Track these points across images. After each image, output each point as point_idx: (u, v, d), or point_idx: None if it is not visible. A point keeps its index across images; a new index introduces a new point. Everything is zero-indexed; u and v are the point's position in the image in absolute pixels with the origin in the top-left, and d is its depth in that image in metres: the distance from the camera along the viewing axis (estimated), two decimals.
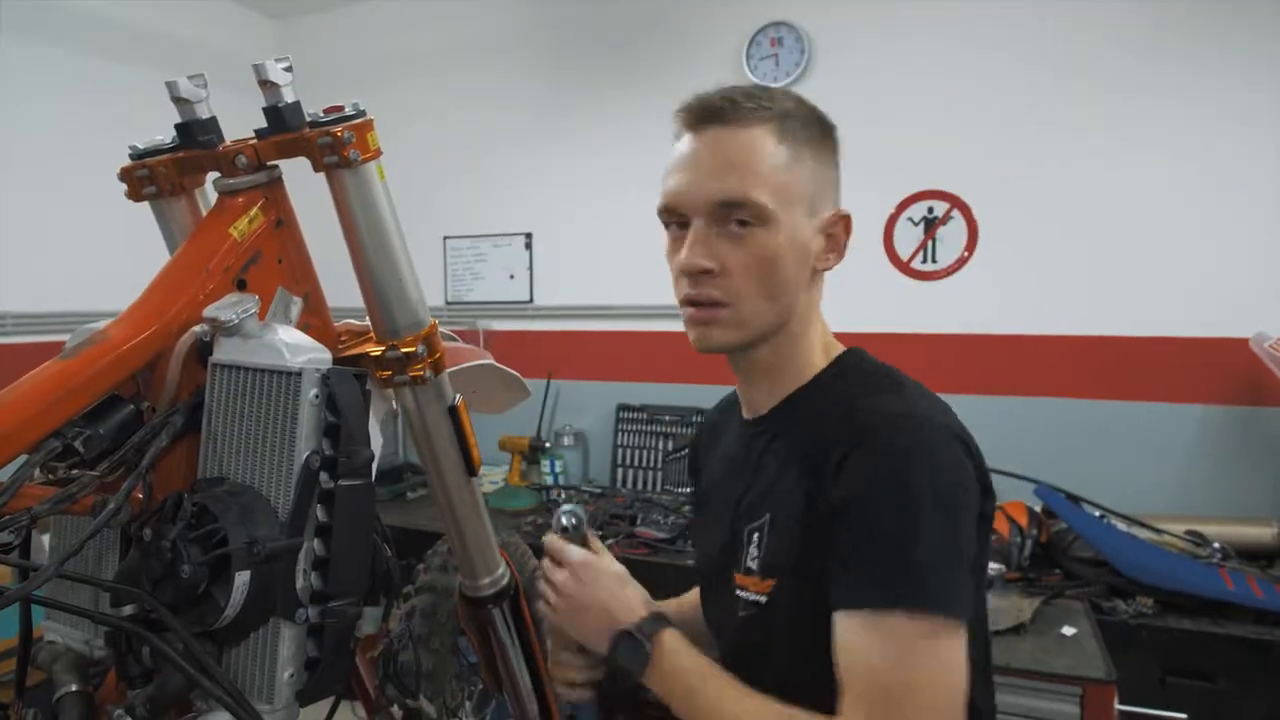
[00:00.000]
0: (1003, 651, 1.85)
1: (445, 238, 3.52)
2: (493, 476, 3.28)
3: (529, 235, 3.37)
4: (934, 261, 2.79)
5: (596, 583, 0.92)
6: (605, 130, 3.20)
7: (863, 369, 0.95)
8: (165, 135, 0.92)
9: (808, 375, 0.95)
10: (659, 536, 2.62)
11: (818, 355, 0.96)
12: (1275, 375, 2.23)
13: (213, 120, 0.89)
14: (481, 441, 3.79)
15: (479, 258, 3.46)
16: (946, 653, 0.76)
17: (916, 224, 2.80)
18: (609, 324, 3.26)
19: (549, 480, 3.17)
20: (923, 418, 0.83)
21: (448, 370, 1.19)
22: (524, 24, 3.33)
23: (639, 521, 2.72)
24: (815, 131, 0.91)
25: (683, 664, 0.86)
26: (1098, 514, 2.35)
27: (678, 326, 3.11)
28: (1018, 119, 2.63)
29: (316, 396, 0.74)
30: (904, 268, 2.82)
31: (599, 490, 3.11)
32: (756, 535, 0.91)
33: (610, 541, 2.60)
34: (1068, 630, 1.95)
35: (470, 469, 1.04)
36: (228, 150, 0.87)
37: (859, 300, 2.84)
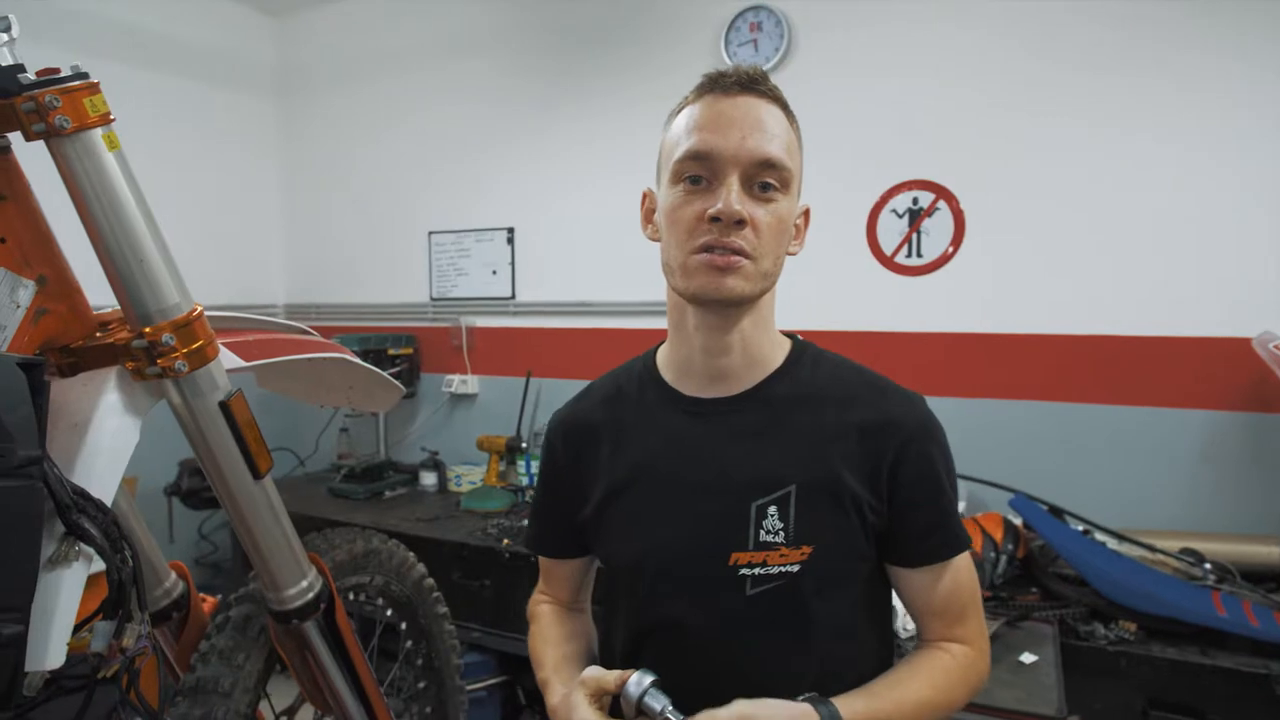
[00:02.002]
0: None
1: (430, 233, 3.47)
2: (471, 477, 3.22)
3: (511, 230, 3.29)
4: (919, 256, 2.62)
5: None
6: (585, 125, 3.10)
7: (826, 352, 1.06)
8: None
9: (778, 351, 1.02)
10: None
11: (778, 334, 1.04)
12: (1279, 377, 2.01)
13: None
14: (462, 440, 3.68)
15: (462, 253, 3.40)
16: None
17: (901, 216, 2.63)
18: (588, 321, 3.16)
19: (525, 481, 3.09)
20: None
21: (277, 361, 1.12)
22: (505, 20, 3.25)
23: None
24: (799, 130, 0.97)
25: (863, 713, 0.89)
26: (1081, 529, 2.16)
27: (655, 324, 2.98)
28: (1008, 105, 2.44)
29: None
30: (888, 262, 2.65)
31: None
32: (774, 508, 0.94)
33: None
34: (1027, 658, 1.78)
35: (254, 470, 0.95)
36: None
37: (841, 297, 2.70)
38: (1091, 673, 1.90)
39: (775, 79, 0.96)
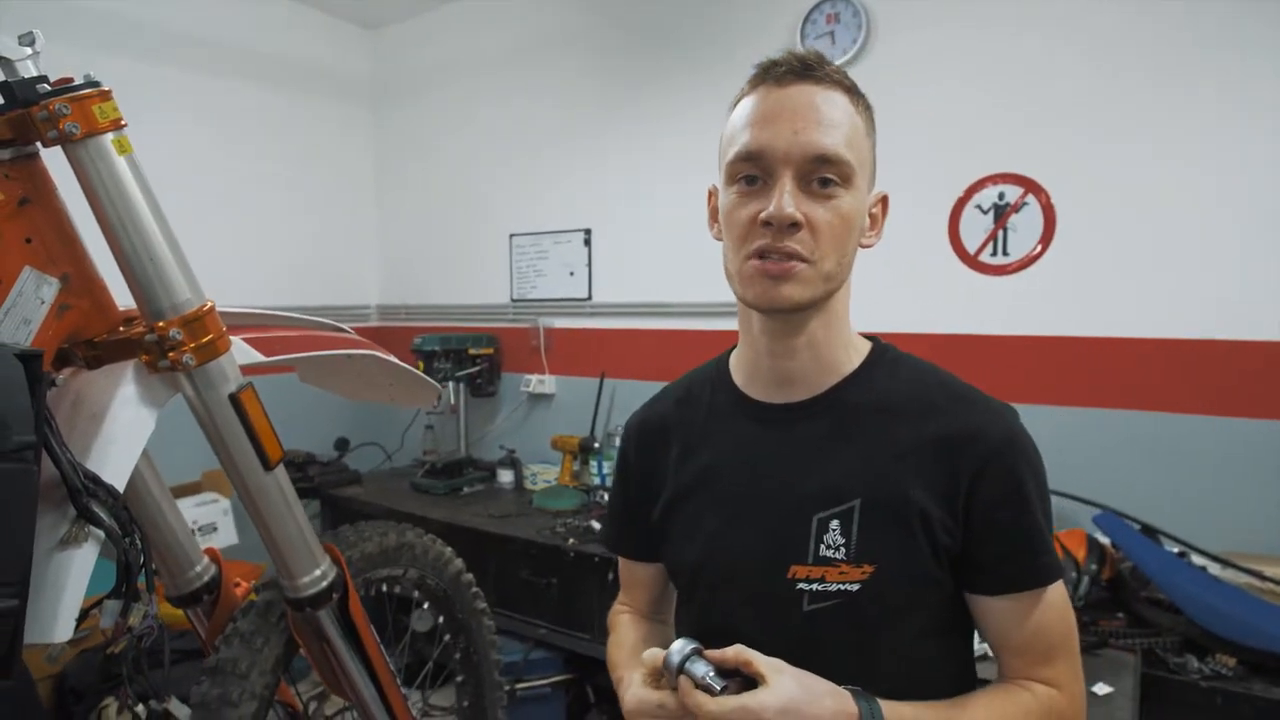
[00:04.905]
0: None
1: (511, 235, 3.53)
2: (546, 475, 3.26)
3: (588, 231, 3.31)
4: (1005, 254, 2.47)
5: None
6: (660, 124, 3.09)
7: (910, 357, 0.98)
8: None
9: (853, 355, 0.96)
10: None
11: (855, 336, 0.98)
12: None
13: None
14: (539, 439, 3.76)
15: (541, 255, 3.45)
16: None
17: (986, 212, 2.49)
18: (663, 322, 3.14)
19: (596, 481, 3.10)
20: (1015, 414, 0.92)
21: (306, 356, 1.15)
22: (579, 22, 3.28)
23: None
24: (871, 111, 0.92)
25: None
26: (1176, 550, 1.98)
27: (730, 325, 2.93)
28: (1103, 96, 2.26)
29: None
30: (971, 261, 2.52)
31: None
32: (837, 522, 0.89)
33: None
34: (1101, 689, 1.64)
35: (265, 461, 0.98)
36: None
37: (922, 297, 2.58)
38: (1180, 709, 1.74)
39: (853, 71, 0.91)
